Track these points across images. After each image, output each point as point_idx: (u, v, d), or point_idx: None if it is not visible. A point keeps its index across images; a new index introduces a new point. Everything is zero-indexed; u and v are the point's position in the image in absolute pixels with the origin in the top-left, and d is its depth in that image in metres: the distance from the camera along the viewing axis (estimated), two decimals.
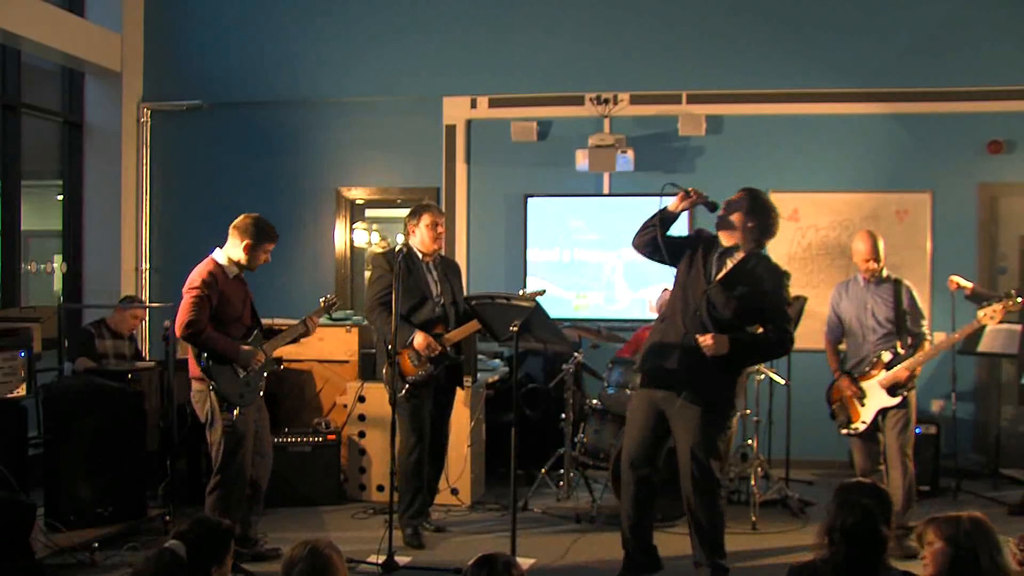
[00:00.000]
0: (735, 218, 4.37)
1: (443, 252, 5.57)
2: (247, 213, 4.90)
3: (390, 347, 4.98)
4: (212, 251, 4.87)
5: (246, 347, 4.80)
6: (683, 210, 4.42)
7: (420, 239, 5.35)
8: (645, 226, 4.46)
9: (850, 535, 2.77)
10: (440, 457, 5.61)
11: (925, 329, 5.28)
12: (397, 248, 5.48)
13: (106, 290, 7.60)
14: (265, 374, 4.96)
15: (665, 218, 4.41)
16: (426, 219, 5.32)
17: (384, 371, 5.22)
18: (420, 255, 5.37)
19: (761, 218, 4.37)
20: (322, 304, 5.23)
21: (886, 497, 2.91)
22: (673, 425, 4.37)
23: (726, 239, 4.42)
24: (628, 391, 5.89)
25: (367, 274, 7.99)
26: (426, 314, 5.30)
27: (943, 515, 2.78)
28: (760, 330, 4.40)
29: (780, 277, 4.41)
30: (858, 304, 5.34)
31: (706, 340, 4.22)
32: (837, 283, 5.65)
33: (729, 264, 4.39)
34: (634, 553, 4.54)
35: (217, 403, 4.70)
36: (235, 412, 4.69)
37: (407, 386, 5.18)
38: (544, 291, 5.45)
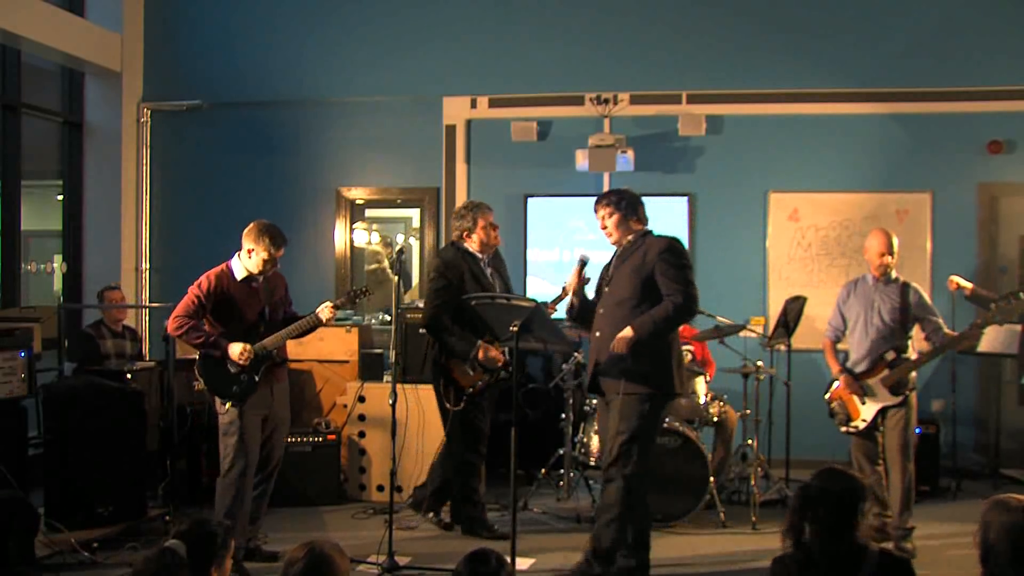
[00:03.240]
0: (606, 223, 4.62)
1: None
2: (259, 219, 4.86)
3: (445, 360, 5.22)
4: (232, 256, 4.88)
5: (235, 344, 4.70)
6: (578, 287, 4.74)
7: (479, 240, 5.37)
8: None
9: (812, 520, 2.70)
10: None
11: (941, 322, 5.26)
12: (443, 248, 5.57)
13: None
14: (262, 368, 4.79)
15: (569, 310, 4.80)
16: (482, 221, 5.37)
17: (440, 384, 5.29)
18: (477, 255, 5.39)
19: (621, 209, 4.58)
20: (349, 295, 5.02)
21: (852, 481, 2.80)
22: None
23: (614, 243, 4.67)
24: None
25: (367, 274, 8.00)
26: None
27: (999, 497, 2.73)
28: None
29: (667, 241, 4.54)
30: (865, 302, 5.33)
31: (614, 345, 4.41)
32: (847, 282, 5.64)
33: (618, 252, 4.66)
34: None
35: (211, 398, 4.71)
36: (226, 405, 4.70)
37: (463, 398, 5.24)
38: (587, 259, 4.89)
